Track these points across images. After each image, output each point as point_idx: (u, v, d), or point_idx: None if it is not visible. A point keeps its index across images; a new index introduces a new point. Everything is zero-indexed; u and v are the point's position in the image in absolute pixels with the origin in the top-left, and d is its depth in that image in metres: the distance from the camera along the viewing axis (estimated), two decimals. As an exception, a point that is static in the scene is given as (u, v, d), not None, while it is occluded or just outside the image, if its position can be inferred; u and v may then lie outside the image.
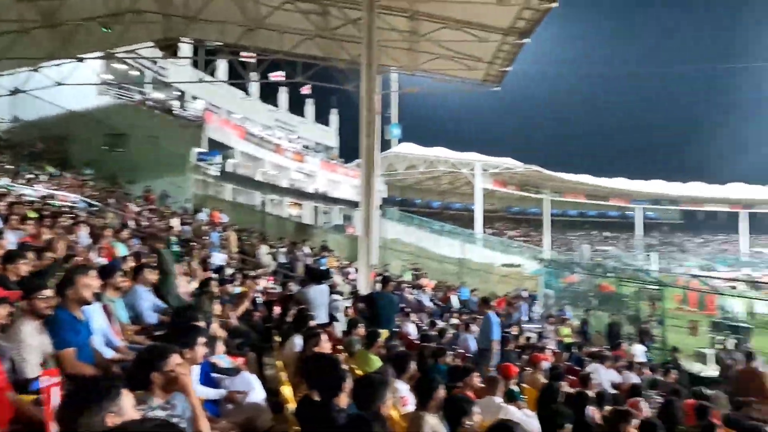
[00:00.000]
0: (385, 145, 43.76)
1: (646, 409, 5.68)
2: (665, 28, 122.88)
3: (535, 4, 13.04)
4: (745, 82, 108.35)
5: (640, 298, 19.80)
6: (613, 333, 15.16)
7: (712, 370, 12.98)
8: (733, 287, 29.72)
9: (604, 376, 8.48)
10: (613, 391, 7.53)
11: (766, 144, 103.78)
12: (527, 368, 7.69)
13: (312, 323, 5.63)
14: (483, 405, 4.53)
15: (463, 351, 8.68)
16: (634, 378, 8.72)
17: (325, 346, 4.60)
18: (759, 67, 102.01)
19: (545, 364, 7.66)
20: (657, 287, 18.45)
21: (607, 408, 5.44)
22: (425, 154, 43.96)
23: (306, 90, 41.34)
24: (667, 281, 23.66)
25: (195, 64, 31.16)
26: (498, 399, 4.86)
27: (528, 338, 11.63)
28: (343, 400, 3.11)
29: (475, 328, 10.47)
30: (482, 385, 5.10)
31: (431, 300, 15.65)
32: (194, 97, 33.49)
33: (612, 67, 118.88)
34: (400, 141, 46.30)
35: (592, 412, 5.31)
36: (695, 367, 13.70)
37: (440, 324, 11.47)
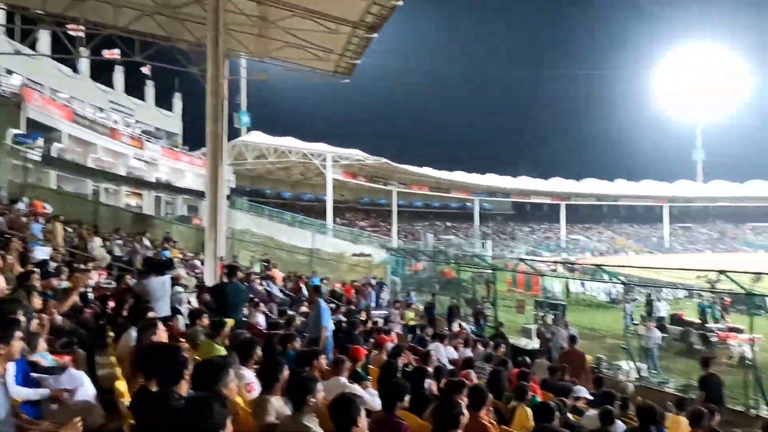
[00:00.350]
0: (234, 133, 42.42)
1: (474, 378, 6.26)
2: (501, 33, 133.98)
3: (382, 0, 13.46)
4: (570, 88, 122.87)
5: (476, 282, 21.60)
6: (453, 314, 16.33)
7: (535, 343, 14.63)
8: (554, 270, 33.63)
9: (443, 353, 9.17)
10: (451, 366, 8.17)
11: (580, 144, 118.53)
12: (374, 350, 8.02)
13: (151, 315, 5.32)
14: (328, 386, 4.66)
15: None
16: (468, 353, 9.52)
17: (162, 335, 4.39)
18: (583, 75, 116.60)
19: (389, 345, 8.05)
20: (491, 271, 20.22)
21: (444, 380, 5.91)
22: (275, 143, 43.32)
23: (145, 71, 38.48)
24: (499, 266, 26.04)
25: (10, 34, 27.48)
26: (343, 379, 5.02)
27: (375, 322, 12.07)
28: (184, 387, 3.01)
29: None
30: (328, 368, 5.24)
31: (281, 290, 15.52)
32: (9, 71, 29.42)
33: (452, 66, 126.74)
34: (249, 129, 45.15)
35: (431, 384, 5.74)
36: (522, 341, 15.32)
37: (290, 313, 11.46)
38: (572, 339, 11.10)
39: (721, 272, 10.75)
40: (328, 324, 8.14)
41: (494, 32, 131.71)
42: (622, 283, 16.31)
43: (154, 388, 3.12)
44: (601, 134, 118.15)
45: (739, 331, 14.51)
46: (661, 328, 15.49)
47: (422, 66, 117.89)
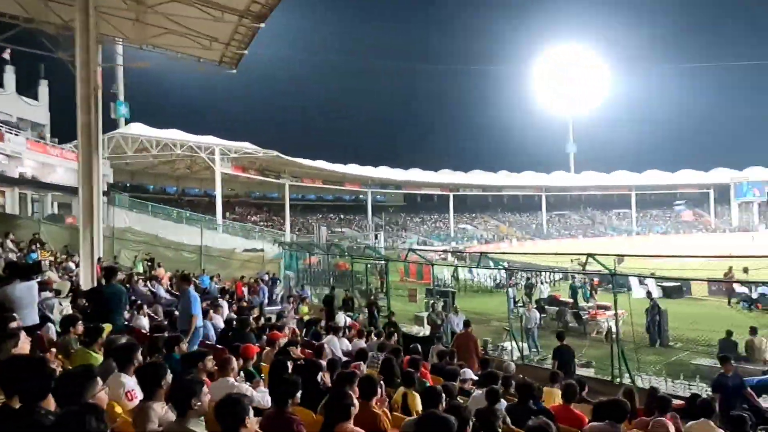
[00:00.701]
0: (111, 124, 39.51)
1: (365, 369, 6.39)
2: (390, 27, 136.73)
3: (268, -10, 13.18)
4: (458, 83, 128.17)
5: (370, 274, 21.95)
6: (348, 306, 16.49)
7: (427, 330, 15.15)
8: (444, 258, 34.97)
9: (338, 346, 9.25)
10: (345, 358, 8.25)
11: (467, 137, 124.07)
12: (267, 347, 7.89)
13: (13, 325, 4.84)
14: (216, 387, 4.54)
15: (202, 338, 8.47)
16: (362, 344, 9.67)
17: (24, 347, 4.02)
18: (470, 70, 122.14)
19: (283, 341, 7.97)
20: (383, 262, 20.63)
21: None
22: (158, 135, 40.90)
23: (5, 55, 34.70)
24: (392, 257, 26.63)
25: None
26: (231, 380, 4.89)
27: (268, 319, 11.91)
28: (51, 402, 2.79)
29: (214, 314, 10.33)
30: (216, 368, 5.08)
31: (167, 291, 14.79)
32: None
33: (343, 59, 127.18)
34: (128, 121, 42.28)
35: (324, 377, 5.76)
36: (414, 329, 15.80)
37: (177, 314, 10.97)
38: (466, 323, 11.65)
39: (590, 255, 11.74)
40: (198, 313, 7.90)
41: (383, 26, 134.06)
42: (505, 269, 17.32)
43: (17, 405, 2.86)
44: (485, 128, 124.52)
45: (606, 308, 15.94)
46: (540, 309, 16.63)
47: (313, 58, 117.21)
